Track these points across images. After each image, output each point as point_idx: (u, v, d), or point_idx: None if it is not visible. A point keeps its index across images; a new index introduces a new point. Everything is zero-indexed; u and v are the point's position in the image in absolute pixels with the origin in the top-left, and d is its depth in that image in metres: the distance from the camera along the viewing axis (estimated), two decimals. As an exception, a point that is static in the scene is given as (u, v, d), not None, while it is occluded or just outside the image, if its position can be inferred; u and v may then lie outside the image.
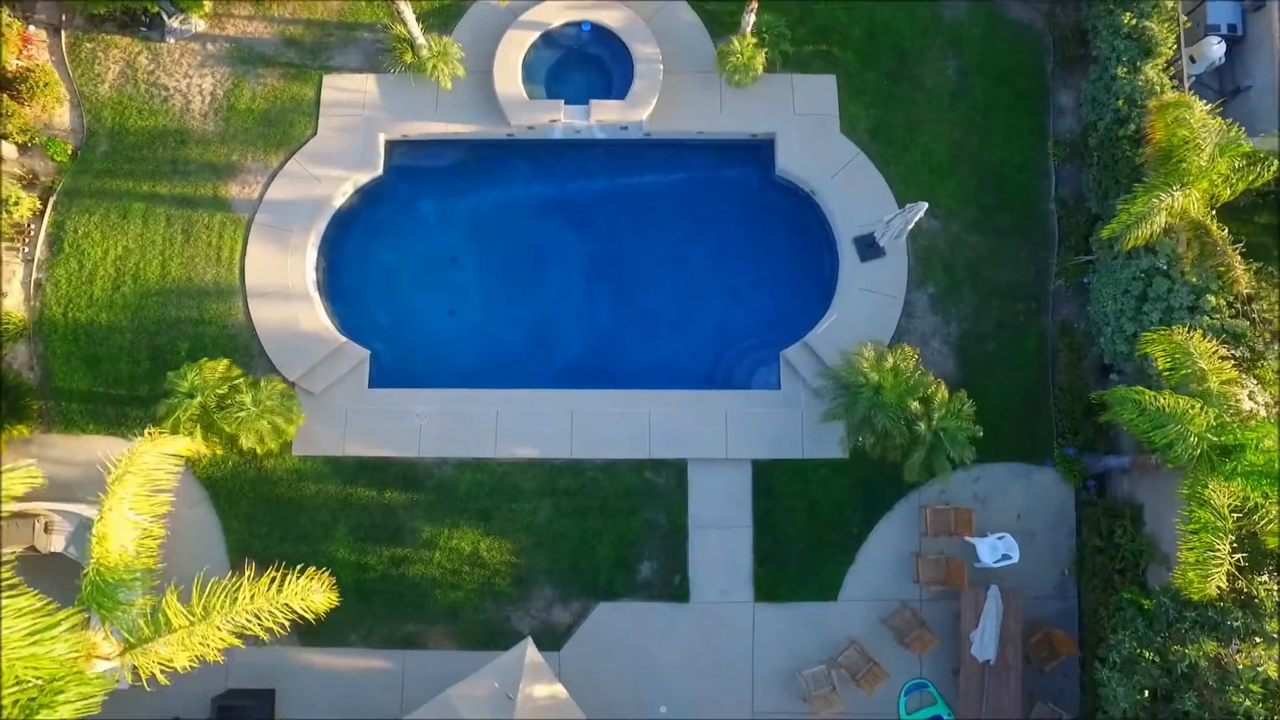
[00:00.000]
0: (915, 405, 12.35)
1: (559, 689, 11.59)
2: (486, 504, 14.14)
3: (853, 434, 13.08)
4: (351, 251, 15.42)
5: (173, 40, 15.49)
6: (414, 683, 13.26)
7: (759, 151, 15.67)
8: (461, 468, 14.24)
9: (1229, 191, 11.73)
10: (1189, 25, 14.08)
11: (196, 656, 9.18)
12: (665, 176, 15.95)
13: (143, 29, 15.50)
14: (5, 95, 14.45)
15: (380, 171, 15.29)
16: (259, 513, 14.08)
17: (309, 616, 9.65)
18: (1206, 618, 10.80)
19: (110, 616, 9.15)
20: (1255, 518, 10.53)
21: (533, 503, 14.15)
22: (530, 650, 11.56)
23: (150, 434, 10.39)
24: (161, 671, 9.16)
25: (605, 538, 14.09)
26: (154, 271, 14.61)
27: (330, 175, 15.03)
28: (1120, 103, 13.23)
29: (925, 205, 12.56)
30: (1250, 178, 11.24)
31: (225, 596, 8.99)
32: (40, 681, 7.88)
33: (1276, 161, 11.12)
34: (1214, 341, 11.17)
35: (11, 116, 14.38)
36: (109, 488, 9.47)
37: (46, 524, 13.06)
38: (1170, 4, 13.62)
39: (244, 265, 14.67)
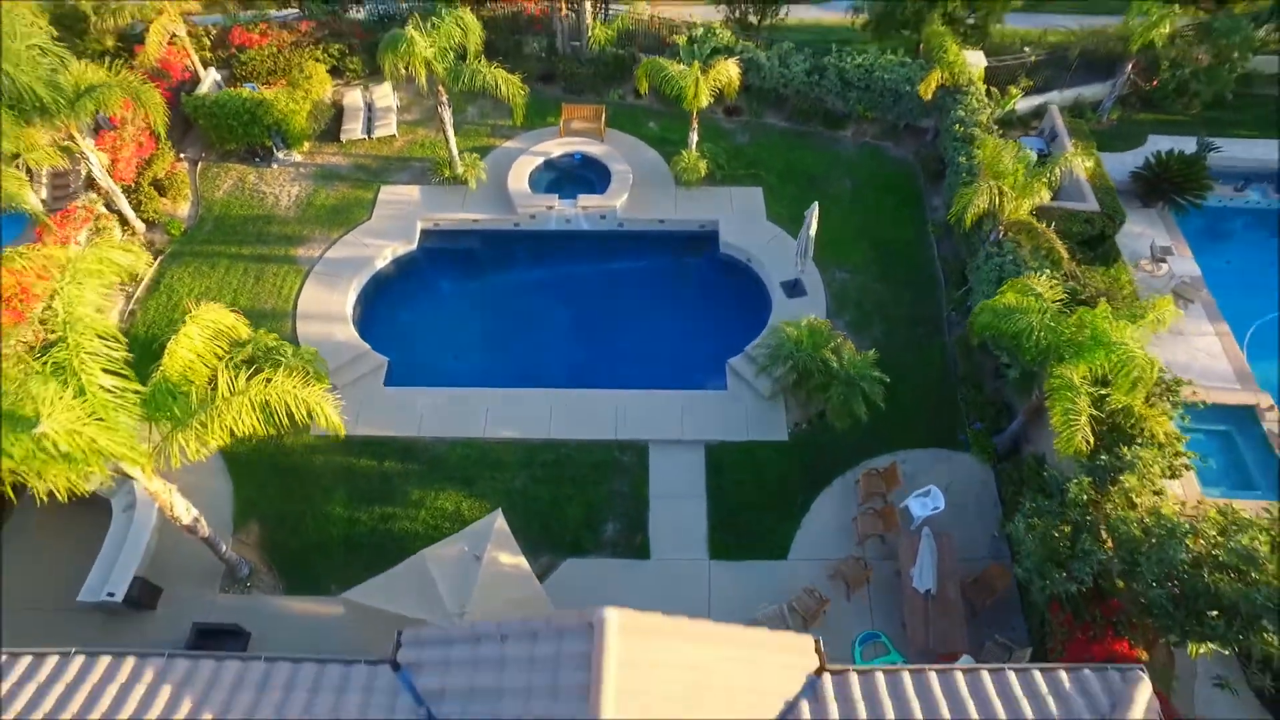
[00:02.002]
0: (828, 352, 15.19)
1: (522, 561, 12.72)
2: (471, 473, 16.03)
3: (785, 376, 15.59)
4: (384, 299, 19.31)
5: (276, 166, 21.30)
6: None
7: (706, 238, 20.34)
8: (453, 445, 16.42)
9: (1039, 198, 15.96)
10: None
11: (226, 437, 11.17)
12: (636, 258, 20.37)
13: (257, 159, 21.40)
14: (154, 191, 19.75)
15: (414, 246, 19.92)
16: (269, 479, 15.96)
17: (323, 425, 11.68)
18: (1082, 466, 12.53)
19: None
20: (1105, 390, 12.88)
21: (512, 472, 16.05)
22: (500, 520, 12.92)
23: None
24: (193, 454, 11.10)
25: (574, 502, 15.70)
26: (225, 301, 18.31)
27: (376, 244, 19.62)
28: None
29: (815, 204, 16.76)
30: (1040, 180, 15.56)
31: (261, 379, 11.34)
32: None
33: (1056, 167, 15.57)
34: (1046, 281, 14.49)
35: (152, 202, 19.51)
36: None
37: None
38: (987, 119, 19.24)
39: (298, 299, 18.51)
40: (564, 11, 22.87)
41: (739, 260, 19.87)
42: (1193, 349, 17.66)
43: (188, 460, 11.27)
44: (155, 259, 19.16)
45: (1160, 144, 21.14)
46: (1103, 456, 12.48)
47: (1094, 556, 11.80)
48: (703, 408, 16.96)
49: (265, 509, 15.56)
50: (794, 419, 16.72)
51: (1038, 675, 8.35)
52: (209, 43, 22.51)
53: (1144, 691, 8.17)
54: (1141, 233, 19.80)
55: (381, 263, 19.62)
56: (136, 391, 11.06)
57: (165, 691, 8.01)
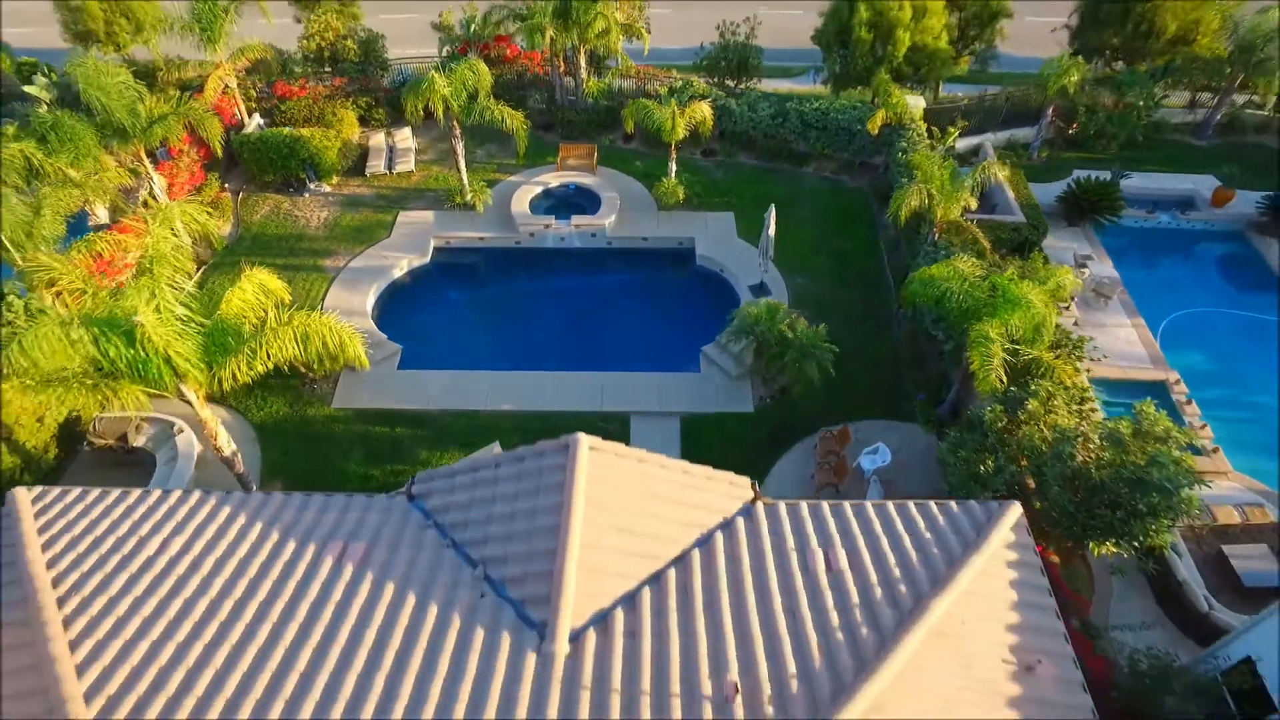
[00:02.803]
0: (784, 327, 17.55)
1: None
2: (473, 438, 18.02)
3: (747, 350, 17.90)
4: (400, 301, 21.82)
5: (307, 195, 24.30)
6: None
7: (684, 253, 23.05)
8: (457, 416, 18.52)
9: (964, 201, 18.70)
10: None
11: (270, 365, 13.41)
12: (623, 270, 23.05)
13: (291, 189, 24.42)
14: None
15: (428, 259, 22.62)
16: (293, 445, 18.00)
17: (350, 356, 13.96)
18: (997, 399, 14.68)
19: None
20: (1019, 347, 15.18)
21: (509, 436, 18.04)
22: (496, 447, 14.92)
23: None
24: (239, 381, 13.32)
25: (564, 462, 17.68)
26: (261, 301, 20.90)
27: (394, 257, 22.33)
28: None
29: (772, 207, 19.47)
30: (964, 184, 18.33)
31: (304, 314, 13.68)
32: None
33: (977, 172, 18.36)
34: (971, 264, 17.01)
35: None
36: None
37: (137, 425, 17.36)
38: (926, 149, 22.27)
39: (324, 299, 21.03)
40: (562, 69, 26.46)
41: (713, 271, 22.51)
42: (1114, 337, 20.00)
43: (237, 383, 13.49)
44: (199, 269, 21.81)
45: (1083, 176, 24.18)
46: (1012, 389, 14.64)
47: (1007, 470, 13.78)
48: (678, 386, 19.15)
49: (289, 468, 17.53)
50: (759, 394, 18.89)
51: (933, 506, 10.32)
52: (254, 94, 25.96)
53: (1013, 514, 10.14)
54: (1067, 247, 22.51)
55: (398, 272, 22.26)
56: (200, 324, 13.41)
57: (226, 512, 9.96)
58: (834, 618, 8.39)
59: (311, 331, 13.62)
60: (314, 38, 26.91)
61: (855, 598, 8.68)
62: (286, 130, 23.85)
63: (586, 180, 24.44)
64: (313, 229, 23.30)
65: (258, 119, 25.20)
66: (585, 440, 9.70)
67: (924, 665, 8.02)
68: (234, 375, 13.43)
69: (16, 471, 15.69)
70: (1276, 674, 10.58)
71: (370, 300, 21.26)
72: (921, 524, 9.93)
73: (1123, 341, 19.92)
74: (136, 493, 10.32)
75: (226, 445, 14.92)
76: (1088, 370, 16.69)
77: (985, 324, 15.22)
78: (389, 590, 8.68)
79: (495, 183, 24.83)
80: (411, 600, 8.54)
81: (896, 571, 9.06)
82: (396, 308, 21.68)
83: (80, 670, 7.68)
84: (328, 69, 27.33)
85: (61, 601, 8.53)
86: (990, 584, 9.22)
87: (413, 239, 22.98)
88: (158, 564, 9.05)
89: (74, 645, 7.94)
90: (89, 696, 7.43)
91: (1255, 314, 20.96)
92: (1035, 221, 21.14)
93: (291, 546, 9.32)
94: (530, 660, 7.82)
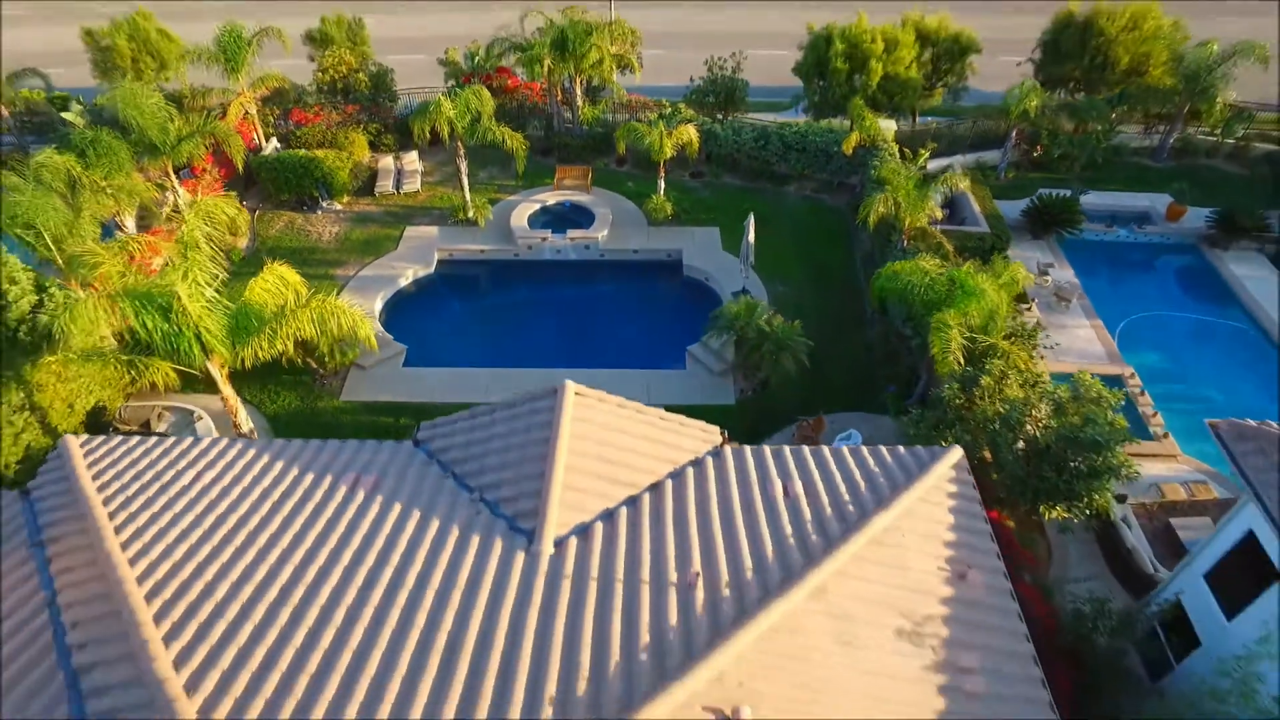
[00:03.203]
0: (761, 322, 18.93)
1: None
2: (472, 428, 19.30)
3: (727, 345, 19.25)
4: (406, 306, 23.25)
5: (320, 213, 25.94)
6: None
7: (672, 264, 24.57)
8: (458, 407, 19.52)
9: (929, 209, 20.26)
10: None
11: (290, 343, 14.75)
12: (615, 280, 24.53)
13: (305, 207, 26.07)
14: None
15: (432, 270, 24.13)
16: (305, 434, 19.07)
17: (361, 337, 15.31)
18: (955, 378, 15.97)
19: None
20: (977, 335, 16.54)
21: (506, 427, 19.31)
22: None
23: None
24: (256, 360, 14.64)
25: (557, 449, 18.87)
26: (275, 306, 22.32)
27: (401, 267, 23.85)
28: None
29: (751, 215, 20.99)
30: (928, 193, 19.91)
31: (320, 297, 15.07)
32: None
33: (940, 182, 19.95)
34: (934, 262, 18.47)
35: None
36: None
37: (159, 413, 18.61)
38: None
39: (334, 304, 22.45)
40: (560, 98, 28.39)
41: (699, 279, 24.00)
42: (1074, 337, 21.36)
43: (260, 358, 14.82)
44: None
45: (1046, 193, 25.84)
46: (969, 369, 15.94)
47: (964, 443, 14.96)
48: (665, 382, 20.42)
49: (300, 453, 18.69)
50: (739, 388, 20.17)
51: (883, 450, 11.53)
52: (272, 120, 27.83)
53: (954, 455, 11.36)
54: (1031, 256, 24.03)
55: (404, 281, 23.75)
56: (227, 306, 14.81)
57: (253, 454, 11.19)
58: (788, 529, 9.57)
59: (326, 313, 14.99)
60: (328, 70, 28.90)
61: (808, 515, 9.86)
62: (301, 152, 25.60)
63: (581, 198, 26.11)
64: (325, 243, 24.87)
65: (274, 143, 27.02)
66: (571, 386, 11.00)
67: (864, 566, 9.18)
68: (255, 353, 14.79)
69: (47, 452, 16.89)
70: (1196, 606, 11.70)
71: (378, 305, 22.68)
72: (871, 463, 11.14)
73: (1082, 341, 21.27)
74: (171, 439, 11.55)
75: (245, 422, 16.17)
76: (1041, 358, 18.01)
77: (945, 313, 16.59)
78: (396, 509, 9.87)
79: (496, 201, 26.50)
80: (416, 516, 9.72)
81: (846, 497, 10.25)
82: (403, 313, 23.11)
83: (140, 580, 8.74)
84: (339, 99, 29.26)
85: (118, 530, 9.67)
86: (929, 509, 10.40)
87: (418, 251, 24.53)
88: (196, 492, 10.24)
89: (133, 563, 9.03)
90: (158, 619, 8.32)
91: (1206, 317, 22.39)
92: (999, 232, 22.67)
93: (311, 478, 10.53)
94: (519, 558, 8.98)
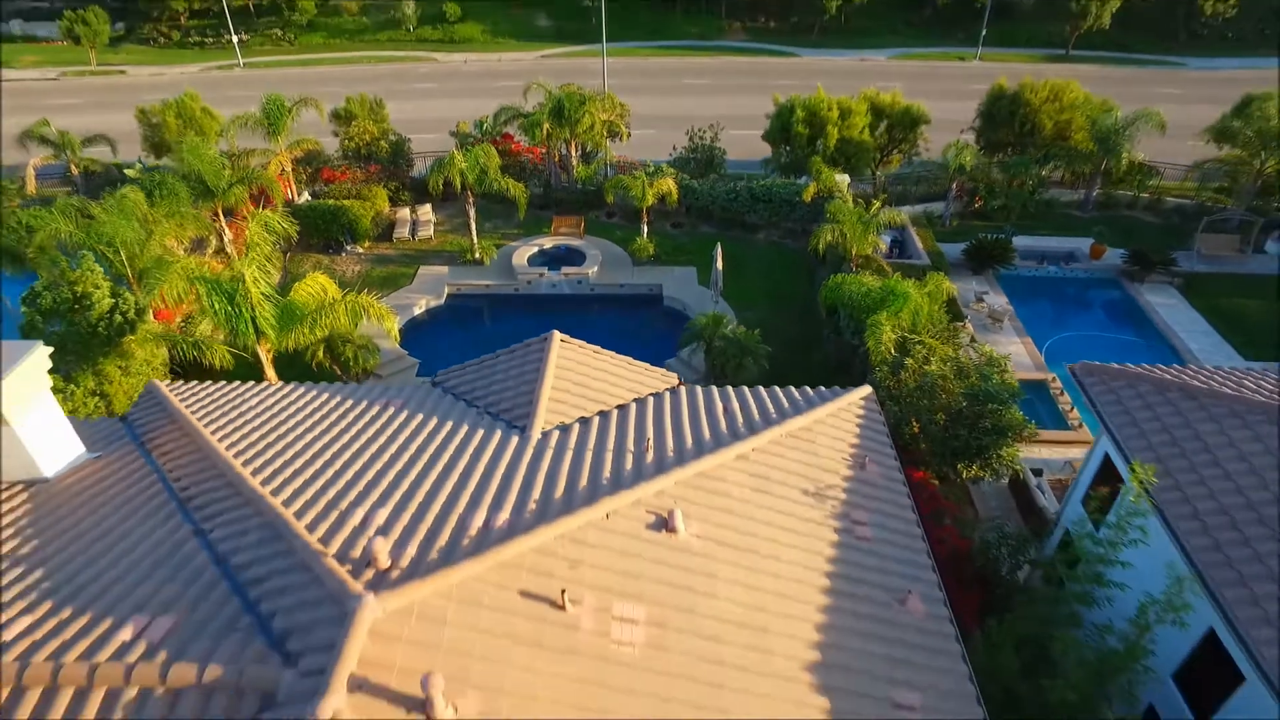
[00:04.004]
0: (725, 331, 21.96)
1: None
2: (475, 424, 22.00)
3: (696, 351, 22.19)
4: (419, 330, 26.32)
5: (345, 254, 29.40)
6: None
7: (653, 297, 27.82)
8: (463, 409, 22.52)
9: (871, 240, 23.61)
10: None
11: (327, 331, 17.71)
12: (604, 309, 27.72)
13: (331, 250, 29.57)
14: (254, 262, 27.70)
15: (442, 301, 27.36)
16: (328, 429, 21.89)
17: (387, 328, 18.28)
18: (884, 363, 18.86)
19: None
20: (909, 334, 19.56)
21: (505, 423, 22.01)
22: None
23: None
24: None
25: (550, 441, 21.54)
26: (304, 328, 25.40)
27: (415, 298, 27.09)
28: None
29: (719, 245, 24.29)
30: (871, 226, 23.30)
31: (353, 293, 18.14)
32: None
33: (877, 213, 23.34)
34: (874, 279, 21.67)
35: (254, 270, 27.35)
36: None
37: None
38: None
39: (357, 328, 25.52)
40: (556, 160, 32.40)
41: (677, 309, 27.20)
42: (1005, 350, 24.21)
43: (299, 346, 17.76)
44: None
45: (983, 236, 29.43)
46: (895, 354, 18.87)
47: (892, 413, 17.73)
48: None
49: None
50: (712, 392, 22.98)
51: (807, 388, 14.33)
52: (305, 177, 31.75)
53: (864, 390, 14.16)
54: (970, 288, 27.31)
55: (418, 310, 26.93)
56: (278, 299, 17.88)
57: (313, 394, 13.97)
58: (723, 425, 12.31)
59: (358, 307, 18.06)
60: (354, 138, 33.07)
61: (740, 420, 12.61)
62: (330, 201, 29.32)
63: (575, 242, 29.66)
64: (348, 279, 28.19)
65: (307, 194, 30.80)
66: (557, 335, 13.94)
67: (781, 447, 11.88)
68: (297, 340, 17.76)
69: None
70: (1074, 523, 14.23)
71: (394, 329, 25.73)
72: (796, 394, 13.94)
73: (1013, 354, 24.23)
74: (242, 384, 14.35)
75: (282, 405, 18.90)
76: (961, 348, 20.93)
77: (879, 315, 19.69)
78: (418, 418, 12.61)
79: (500, 245, 30.04)
80: (434, 422, 12.45)
81: (772, 409, 13.02)
82: (417, 335, 26.15)
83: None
84: (363, 163, 33.32)
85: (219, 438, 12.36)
86: (839, 421, 13.15)
87: (430, 285, 27.83)
88: (272, 413, 12.96)
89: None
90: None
91: (1122, 336, 25.45)
92: (938, 265, 26.04)
93: (354, 404, 13.29)
94: (514, 441, 11.68)
